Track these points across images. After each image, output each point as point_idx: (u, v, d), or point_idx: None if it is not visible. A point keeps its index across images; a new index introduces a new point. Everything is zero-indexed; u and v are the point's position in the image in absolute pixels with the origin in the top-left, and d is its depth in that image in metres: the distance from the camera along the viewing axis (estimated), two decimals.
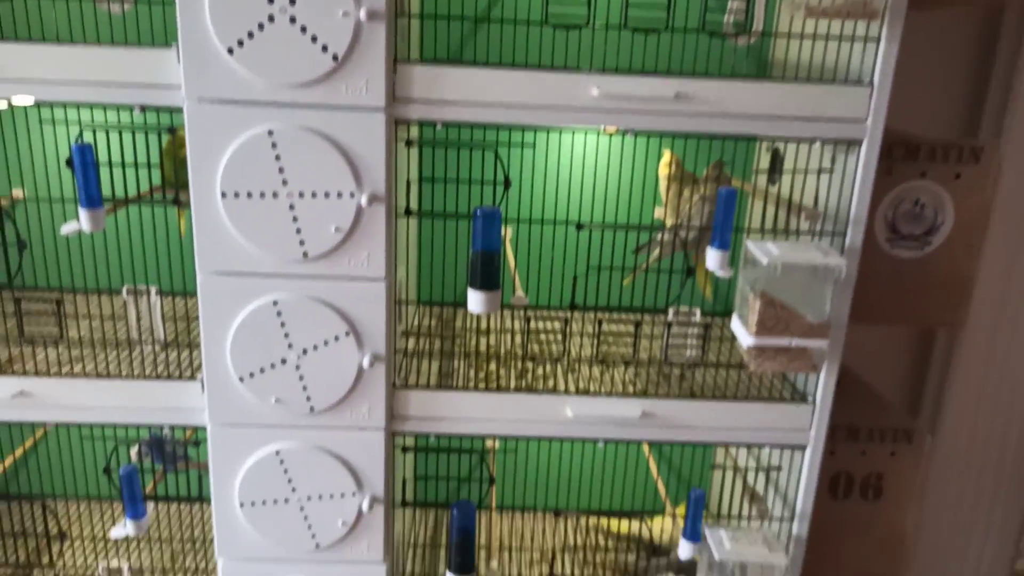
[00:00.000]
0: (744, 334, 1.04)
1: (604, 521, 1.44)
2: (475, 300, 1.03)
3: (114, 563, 1.18)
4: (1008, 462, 1.74)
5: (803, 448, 1.15)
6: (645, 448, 1.42)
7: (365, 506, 1.11)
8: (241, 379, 1.06)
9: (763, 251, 1.00)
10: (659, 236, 1.19)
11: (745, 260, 1.05)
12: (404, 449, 1.15)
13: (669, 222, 1.19)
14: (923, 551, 1.74)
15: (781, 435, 1.15)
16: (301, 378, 1.06)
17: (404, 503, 1.17)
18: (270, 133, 0.96)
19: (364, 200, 0.99)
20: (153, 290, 1.05)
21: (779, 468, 1.21)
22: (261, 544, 1.14)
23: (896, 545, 1.29)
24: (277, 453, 1.09)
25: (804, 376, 1.15)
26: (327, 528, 1.13)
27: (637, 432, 1.14)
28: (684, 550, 1.19)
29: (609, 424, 1.12)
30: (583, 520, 1.48)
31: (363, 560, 1.16)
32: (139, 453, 1.25)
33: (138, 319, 1.06)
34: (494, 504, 1.36)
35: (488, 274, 1.02)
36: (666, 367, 1.20)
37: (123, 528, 1.15)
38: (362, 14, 0.91)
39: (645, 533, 1.36)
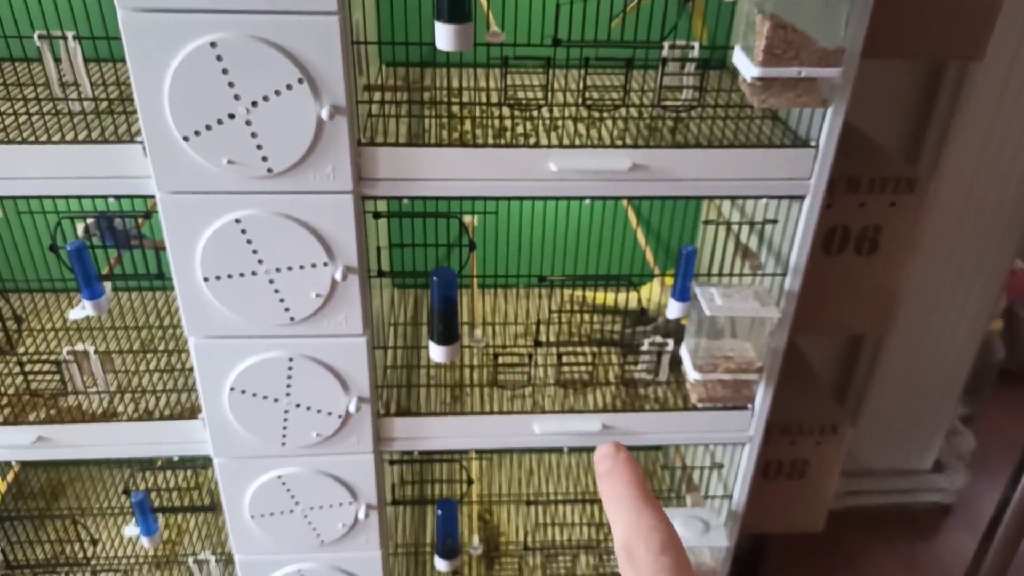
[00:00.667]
0: (748, 65, 0.93)
1: (589, 294, 1.41)
2: (444, 35, 0.90)
3: (79, 347, 1.12)
4: (1002, 215, 1.71)
5: (802, 198, 1.08)
6: (631, 213, 1.35)
7: (339, 275, 1.05)
8: (186, 138, 0.94)
9: None
10: None
11: None
12: (376, 215, 1.06)
13: None
14: (905, 305, 1.76)
15: (780, 186, 1.07)
16: (254, 135, 0.94)
17: (380, 274, 1.10)
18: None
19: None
20: (71, 35, 0.90)
21: (775, 221, 1.14)
22: (232, 321, 1.08)
23: (887, 299, 1.27)
24: (238, 221, 1.00)
25: (807, 121, 1.06)
26: (300, 301, 1.07)
27: (626, 188, 1.06)
28: (673, 310, 1.16)
29: (596, 180, 1.04)
30: (567, 293, 1.44)
31: (342, 333, 1.11)
32: (87, 231, 1.15)
33: (58, 71, 0.91)
34: (475, 271, 1.31)
35: (457, 0, 0.88)
36: (658, 118, 1.10)
37: (81, 309, 1.08)
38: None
39: (632, 300, 1.33)
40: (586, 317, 1.38)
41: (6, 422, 1.19)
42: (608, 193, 1.05)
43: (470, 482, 1.37)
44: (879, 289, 1.26)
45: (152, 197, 1.01)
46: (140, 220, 1.16)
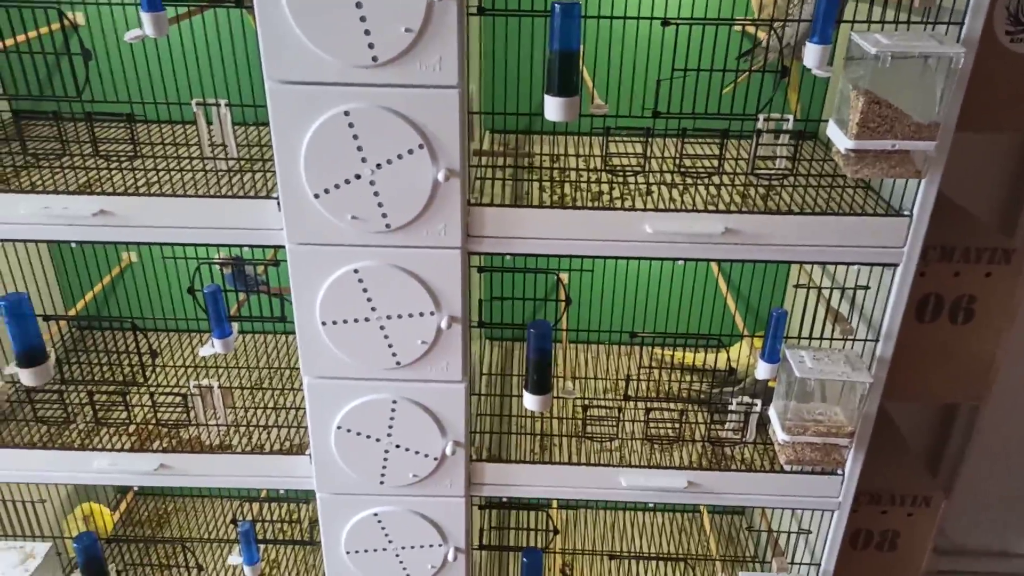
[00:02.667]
0: (842, 137, 0.97)
1: (678, 354, 1.44)
2: (553, 107, 0.98)
3: (204, 382, 1.23)
4: None
5: (895, 266, 1.10)
6: (719, 278, 1.39)
7: (444, 324, 1.12)
8: (316, 196, 1.04)
9: (871, 42, 0.92)
10: (763, 40, 1.10)
11: (849, 57, 0.96)
12: (480, 269, 1.14)
13: (763, 35, 1.10)
14: (1002, 375, 1.71)
15: (873, 253, 1.09)
16: (376, 194, 1.04)
17: (481, 324, 1.17)
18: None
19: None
20: (223, 103, 1.03)
21: (867, 287, 1.16)
22: (344, 363, 1.16)
23: (982, 369, 1.26)
24: (356, 271, 1.09)
25: (901, 190, 1.09)
26: (407, 347, 1.14)
27: (718, 251, 1.10)
28: (762, 371, 1.18)
29: (689, 242, 1.09)
30: (657, 351, 1.48)
31: (443, 379, 1.18)
32: (221, 275, 1.27)
33: (209, 133, 1.04)
34: (566, 326, 1.37)
35: (566, 76, 0.96)
36: (751, 185, 1.15)
37: (210, 347, 1.19)
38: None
39: (721, 360, 1.36)
40: (675, 375, 1.41)
41: (132, 449, 1.30)
42: (701, 255, 1.09)
43: (555, 532, 1.40)
44: (974, 358, 1.25)
45: (281, 247, 1.12)
46: (261, 268, 1.27)
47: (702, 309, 1.41)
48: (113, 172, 1.12)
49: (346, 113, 0.99)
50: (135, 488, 1.64)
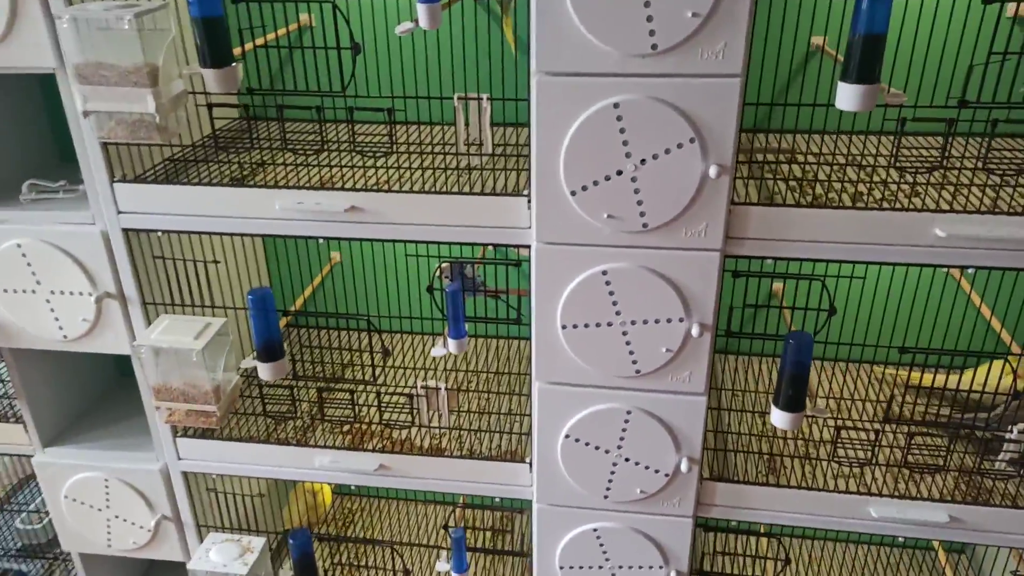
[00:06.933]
0: None
1: (954, 378, 1.28)
2: (849, 95, 0.89)
3: (431, 383, 1.20)
4: None
5: None
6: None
7: (695, 331, 1.05)
8: (573, 193, 1.00)
9: None
10: None
11: None
12: (735, 274, 1.06)
13: None
14: None
15: None
16: (637, 191, 0.98)
17: (729, 333, 1.09)
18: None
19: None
20: (484, 97, 1.00)
21: None
22: (580, 369, 1.11)
23: None
24: (604, 273, 1.04)
25: None
26: (650, 354, 1.08)
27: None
28: None
29: (986, 248, 0.96)
30: (890, 371, 1.35)
31: (683, 391, 1.11)
32: (440, 275, 1.25)
33: (467, 126, 1.01)
34: (827, 338, 1.26)
35: (869, 62, 0.87)
36: None
37: (443, 348, 1.17)
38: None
39: (1005, 381, 1.21)
40: (911, 397, 1.28)
41: (350, 447, 1.30)
42: (1001, 264, 0.97)
43: (787, 562, 1.29)
44: None
45: (526, 247, 1.08)
46: (474, 268, 1.24)
47: (957, 322, 1.27)
48: (367, 169, 1.11)
49: (615, 105, 0.94)
50: (353, 488, 1.64)
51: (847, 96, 0.89)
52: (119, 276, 1.20)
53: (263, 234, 1.12)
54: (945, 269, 1.04)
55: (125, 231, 1.17)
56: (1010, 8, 1.09)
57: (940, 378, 1.30)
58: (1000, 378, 1.21)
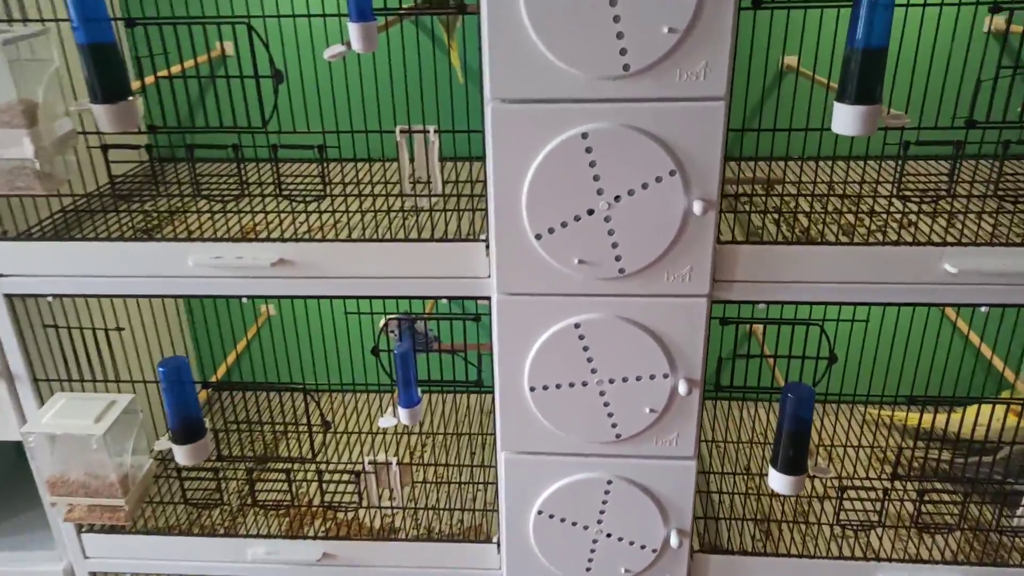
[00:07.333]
0: None
1: (954, 416, 1.18)
2: (847, 118, 0.78)
3: (380, 456, 1.04)
4: None
5: None
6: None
7: (682, 388, 0.92)
8: (538, 236, 0.86)
9: None
10: None
11: None
12: (723, 321, 0.94)
13: None
14: None
15: None
16: (611, 232, 0.85)
17: (718, 388, 0.97)
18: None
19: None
20: (431, 129, 0.86)
21: None
22: (552, 436, 0.97)
23: None
24: (577, 326, 0.91)
25: None
26: (631, 416, 0.95)
27: None
28: None
29: (1000, 284, 0.86)
30: (881, 413, 1.24)
31: (669, 455, 0.98)
32: (385, 330, 1.09)
33: (411, 163, 0.87)
34: (828, 388, 1.14)
35: (869, 80, 0.77)
36: None
37: (392, 417, 1.01)
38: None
39: (959, 424, 1.11)
40: (909, 442, 1.17)
41: (289, 533, 1.12)
42: (1020, 300, 0.87)
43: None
44: None
45: (485, 298, 0.94)
46: (425, 323, 1.09)
47: (956, 361, 1.17)
48: (296, 215, 0.96)
49: (584, 135, 0.81)
50: None
51: (845, 119, 0.79)
52: (2, 350, 1.02)
53: (174, 294, 0.95)
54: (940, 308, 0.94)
55: (8, 297, 0.99)
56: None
57: (940, 417, 1.20)
58: (1004, 419, 1.11)
